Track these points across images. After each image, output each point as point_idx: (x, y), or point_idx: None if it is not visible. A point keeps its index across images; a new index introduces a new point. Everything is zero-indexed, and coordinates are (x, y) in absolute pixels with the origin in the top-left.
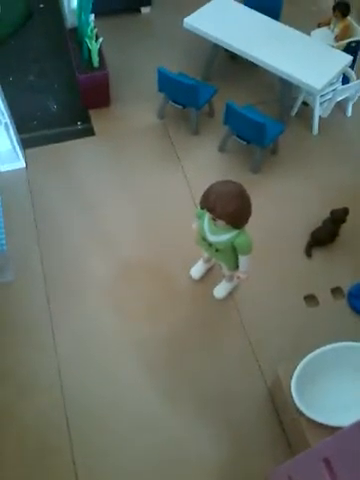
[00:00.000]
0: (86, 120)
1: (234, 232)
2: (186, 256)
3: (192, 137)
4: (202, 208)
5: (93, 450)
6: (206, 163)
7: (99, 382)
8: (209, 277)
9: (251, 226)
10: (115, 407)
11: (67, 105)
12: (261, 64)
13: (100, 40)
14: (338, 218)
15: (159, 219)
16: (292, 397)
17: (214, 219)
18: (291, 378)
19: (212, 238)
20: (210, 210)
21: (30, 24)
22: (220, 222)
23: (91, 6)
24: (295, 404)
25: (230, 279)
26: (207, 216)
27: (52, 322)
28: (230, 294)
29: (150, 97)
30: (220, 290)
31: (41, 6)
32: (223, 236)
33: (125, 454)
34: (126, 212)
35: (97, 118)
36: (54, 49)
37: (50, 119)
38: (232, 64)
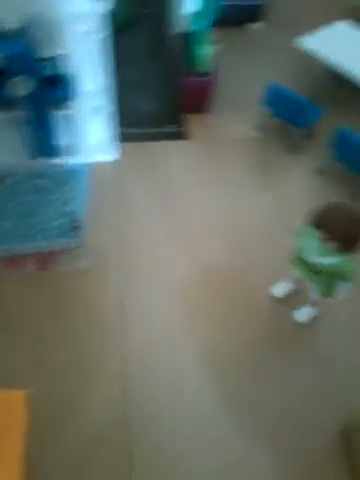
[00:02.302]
0: (180, 124)
1: (343, 256)
2: (268, 273)
3: (289, 155)
4: (314, 226)
5: (150, 449)
6: (301, 183)
7: (162, 386)
8: (290, 299)
9: None
10: (175, 414)
11: (162, 106)
12: None
13: (216, 47)
14: None
15: (243, 231)
16: None
17: (325, 240)
18: None
19: (318, 260)
20: (324, 229)
21: (133, 28)
22: (332, 243)
23: (215, 12)
24: None
25: (317, 304)
26: (315, 236)
27: (123, 317)
28: (312, 320)
29: (250, 110)
30: (302, 314)
31: (145, 11)
32: (330, 259)
33: (182, 465)
34: (211, 219)
35: (193, 123)
36: (155, 52)
37: (143, 118)
38: (340, 89)
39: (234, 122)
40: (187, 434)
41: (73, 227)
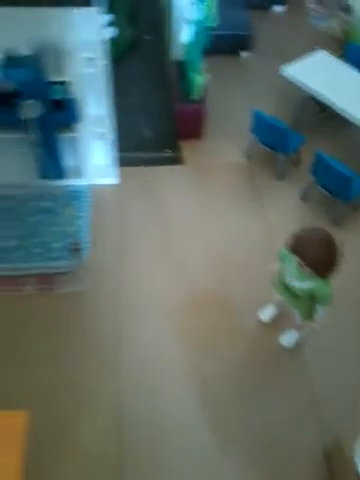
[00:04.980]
0: (176, 149)
1: (319, 281)
2: (255, 297)
3: (276, 182)
4: (289, 251)
5: (142, 475)
6: (287, 209)
7: (153, 408)
8: (277, 322)
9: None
10: (166, 436)
11: (160, 132)
12: (355, 121)
13: (207, 76)
14: None
15: (233, 256)
16: (355, 463)
17: (301, 265)
18: (356, 443)
19: (294, 283)
20: (300, 255)
21: (135, 53)
22: (307, 268)
23: (206, 42)
24: (358, 471)
25: (301, 328)
26: (293, 260)
27: (118, 339)
28: (298, 344)
29: (240, 137)
30: (288, 338)
31: (147, 37)
32: (307, 283)
33: None
34: (202, 243)
35: (187, 149)
36: (154, 78)
37: (142, 143)
38: (323, 117)
39: (225, 148)
40: (176, 461)
41: (73, 249)
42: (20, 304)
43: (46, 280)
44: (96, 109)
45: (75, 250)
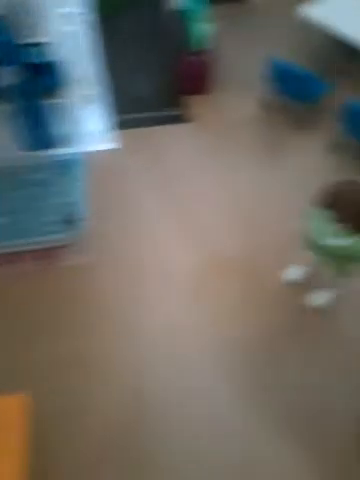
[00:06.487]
0: (182, 106)
1: (357, 236)
2: (278, 258)
3: (296, 134)
4: (324, 207)
5: (164, 444)
6: (309, 163)
7: (177, 378)
8: (304, 283)
9: None
10: (191, 407)
11: (162, 89)
12: None
13: (212, 25)
14: None
15: (253, 215)
16: None
17: (338, 220)
18: None
19: (328, 241)
20: (337, 210)
21: (131, 7)
22: (344, 224)
23: None
24: None
25: (331, 287)
26: (326, 216)
27: (128, 312)
28: (329, 303)
29: (253, 87)
30: (319, 297)
31: None
32: (343, 240)
33: (196, 456)
34: (217, 204)
35: (195, 105)
36: (154, 33)
37: (145, 102)
38: (347, 60)
39: (237, 101)
40: (202, 431)
41: (67, 220)
42: (22, 281)
43: (46, 254)
44: (84, 70)
45: (69, 221)
